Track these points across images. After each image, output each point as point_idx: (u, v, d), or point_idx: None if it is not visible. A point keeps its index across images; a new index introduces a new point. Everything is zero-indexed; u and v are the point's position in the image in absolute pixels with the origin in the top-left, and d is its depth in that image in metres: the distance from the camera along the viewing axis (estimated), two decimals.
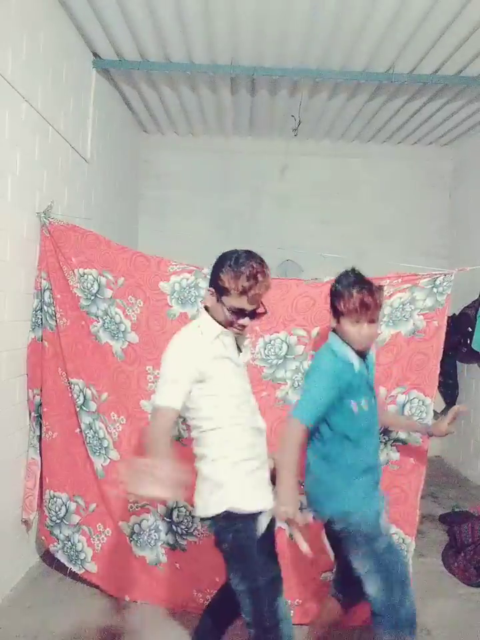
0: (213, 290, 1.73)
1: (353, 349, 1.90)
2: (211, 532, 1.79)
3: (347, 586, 2.09)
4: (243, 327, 1.75)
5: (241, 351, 1.84)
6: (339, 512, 1.89)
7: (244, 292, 1.66)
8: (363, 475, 1.92)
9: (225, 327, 1.75)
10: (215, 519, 1.72)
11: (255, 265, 1.66)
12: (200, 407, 1.73)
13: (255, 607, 1.72)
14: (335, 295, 1.90)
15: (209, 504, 1.72)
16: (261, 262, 1.70)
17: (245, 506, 1.70)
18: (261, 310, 1.77)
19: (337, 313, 1.90)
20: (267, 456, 1.84)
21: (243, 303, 1.69)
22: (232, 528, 1.70)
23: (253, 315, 1.75)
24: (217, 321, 1.75)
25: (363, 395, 1.91)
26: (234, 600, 1.78)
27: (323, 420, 1.89)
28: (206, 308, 1.81)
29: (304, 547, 1.72)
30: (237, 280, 1.65)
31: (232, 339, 1.79)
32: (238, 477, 1.73)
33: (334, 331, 1.95)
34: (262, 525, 1.71)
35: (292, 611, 2.23)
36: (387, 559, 1.89)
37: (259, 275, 1.66)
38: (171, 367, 1.71)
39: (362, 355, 1.94)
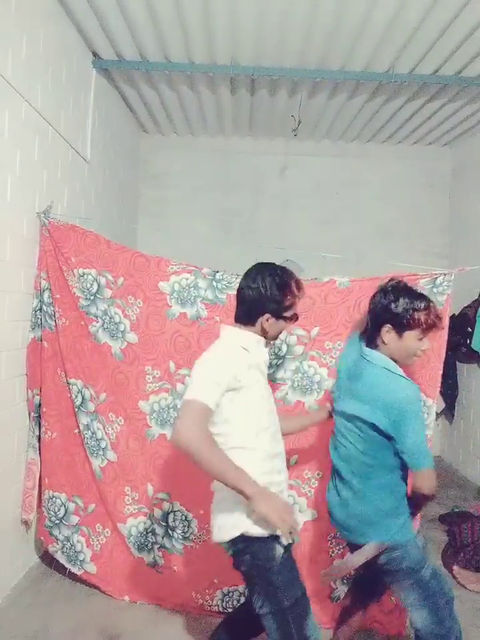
0: (273, 316, 1.76)
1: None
2: (229, 555, 1.73)
3: (365, 596, 2.03)
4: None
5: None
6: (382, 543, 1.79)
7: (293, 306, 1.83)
8: (404, 502, 1.85)
9: (267, 338, 1.82)
10: (231, 543, 1.68)
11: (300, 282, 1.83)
12: (226, 418, 1.68)
13: (281, 631, 1.64)
14: (411, 306, 1.79)
15: (224, 529, 1.69)
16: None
17: (259, 529, 1.64)
18: None
19: (404, 327, 1.80)
20: (286, 481, 1.81)
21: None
22: (248, 550, 1.66)
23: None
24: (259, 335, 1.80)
25: None
26: (253, 620, 1.73)
27: (387, 447, 1.79)
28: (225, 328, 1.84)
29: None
30: (297, 299, 1.80)
31: (264, 347, 1.84)
32: None
33: (368, 346, 1.87)
34: (279, 546, 1.66)
35: None
36: (433, 588, 1.79)
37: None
38: (210, 368, 1.65)
39: None
